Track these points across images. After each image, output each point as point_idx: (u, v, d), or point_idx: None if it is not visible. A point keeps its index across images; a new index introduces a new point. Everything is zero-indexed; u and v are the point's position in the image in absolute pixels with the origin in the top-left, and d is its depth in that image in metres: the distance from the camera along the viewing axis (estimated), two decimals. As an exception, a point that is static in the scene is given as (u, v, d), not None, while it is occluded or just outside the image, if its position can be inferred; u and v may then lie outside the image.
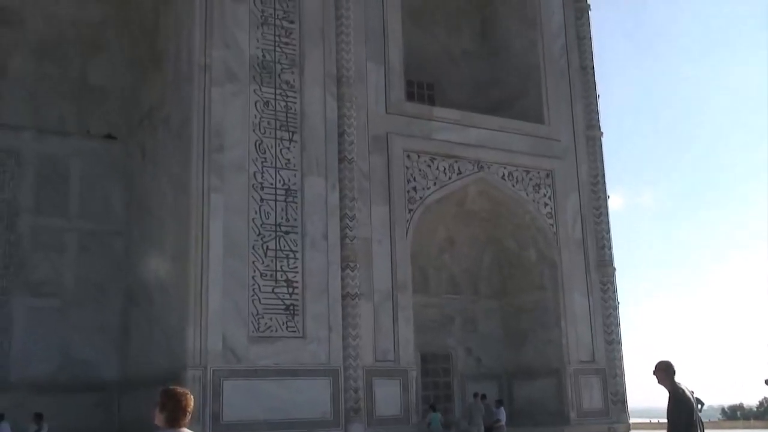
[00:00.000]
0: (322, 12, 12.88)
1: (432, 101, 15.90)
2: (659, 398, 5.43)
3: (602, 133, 15.72)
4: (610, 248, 15.26)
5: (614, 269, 15.21)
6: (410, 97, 15.19)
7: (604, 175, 15.56)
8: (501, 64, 16.38)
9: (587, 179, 15.39)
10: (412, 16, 15.53)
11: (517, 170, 14.64)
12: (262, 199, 11.93)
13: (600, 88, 15.92)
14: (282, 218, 12.03)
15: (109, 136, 14.65)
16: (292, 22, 12.56)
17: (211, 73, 11.82)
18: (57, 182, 14.13)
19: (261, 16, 12.32)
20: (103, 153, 14.50)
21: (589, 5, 16.20)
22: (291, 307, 11.82)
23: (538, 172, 14.86)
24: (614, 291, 15.12)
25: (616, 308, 15.03)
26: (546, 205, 14.85)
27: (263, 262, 11.74)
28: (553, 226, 14.81)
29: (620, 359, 14.85)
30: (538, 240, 14.90)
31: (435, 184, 13.72)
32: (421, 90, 16.14)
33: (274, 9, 12.47)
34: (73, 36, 14.77)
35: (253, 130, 12.04)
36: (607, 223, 15.38)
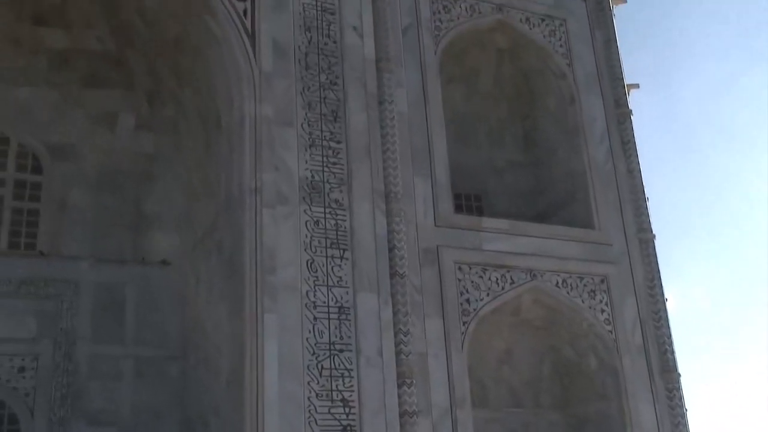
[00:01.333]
0: (368, 132, 13.18)
1: (480, 212, 15.97)
2: None
3: (654, 236, 15.54)
4: (672, 353, 14.79)
5: (679, 375, 14.68)
6: (458, 209, 15.30)
7: (660, 277, 15.27)
8: (546, 172, 16.48)
9: (643, 283, 15.11)
10: (456, 131, 15.83)
11: (570, 277, 14.46)
12: (315, 318, 11.90)
13: (648, 190, 15.92)
14: (336, 336, 11.95)
15: (164, 262, 14.97)
16: (339, 142, 12.87)
17: (262, 196, 12.06)
18: (113, 310, 14.39)
19: (309, 139, 12.65)
20: (158, 279, 14.78)
21: (631, 110, 16.34)
22: (348, 428, 11.57)
23: (593, 278, 14.65)
24: (681, 398, 14.54)
25: (684, 416, 14.42)
26: (603, 311, 14.55)
27: (318, 382, 11.60)
28: (611, 332, 14.46)
29: (693, 470, 14.12)
30: (597, 347, 14.52)
31: (488, 295, 13.58)
32: (469, 201, 16.26)
33: (321, 131, 12.80)
34: (128, 167, 15.36)
35: (305, 250, 12.15)
36: (668, 327, 14.98)
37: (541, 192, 16.50)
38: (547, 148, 16.57)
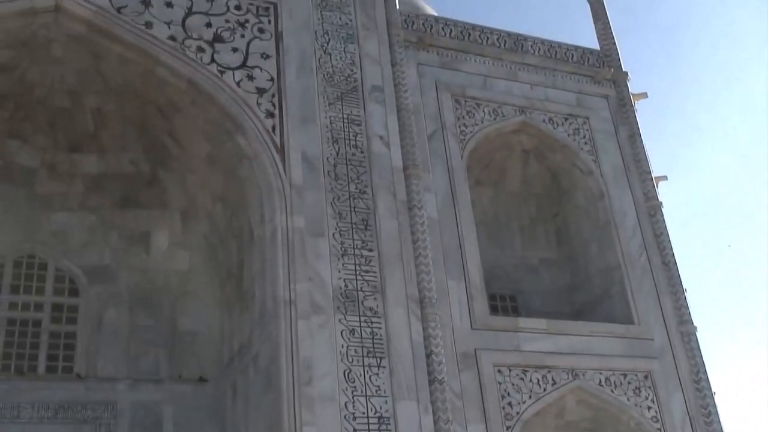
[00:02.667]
0: (399, 238, 13.23)
1: (516, 312, 15.81)
2: None
3: (696, 328, 15.20)
4: (726, 450, 14.24)
5: (735, 473, 14.09)
6: (494, 310, 15.16)
7: (705, 370, 14.85)
8: (581, 268, 16.36)
9: (689, 377, 14.68)
10: (487, 231, 15.87)
11: (613, 374, 14.10)
12: (355, 430, 11.64)
13: (685, 281, 15.67)
14: (377, 448, 11.67)
15: (201, 379, 14.87)
16: (371, 250, 12.90)
17: (297, 307, 12.04)
18: (151, 429, 14.24)
19: (341, 248, 12.71)
20: (195, 396, 14.65)
21: (661, 202, 16.29)
22: None
23: (636, 375, 14.29)
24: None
25: None
26: (650, 408, 14.12)
27: (361, 498, 11.25)
28: (660, 430, 13.98)
29: None
30: (646, 447, 14.01)
31: (530, 397, 13.27)
32: (504, 302, 16.12)
33: (353, 240, 12.87)
34: (163, 285, 15.48)
35: (341, 360, 12.01)
36: (718, 422, 14.46)
37: (577, 288, 16.33)
38: (580, 245, 16.50)
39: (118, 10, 13.16)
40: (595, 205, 16.14)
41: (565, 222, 16.95)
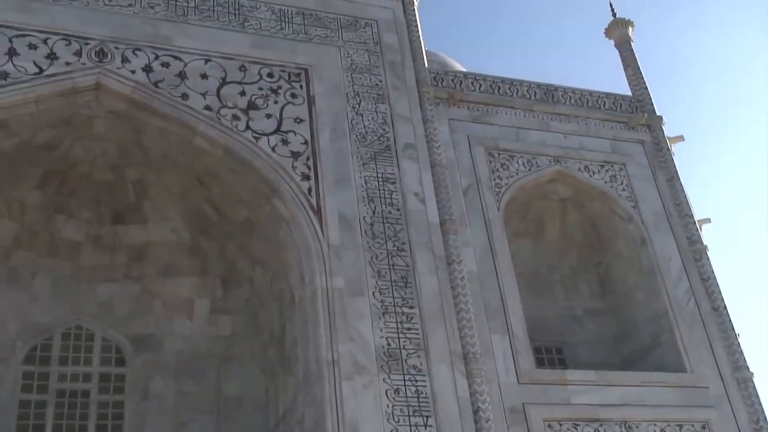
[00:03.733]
0: (440, 294, 13.16)
1: (563, 364, 15.51)
2: None
3: (752, 374, 14.72)
4: (792, 499, 13.64)
5: None
6: (540, 363, 14.90)
7: (766, 418, 14.32)
8: (627, 316, 16.05)
9: (748, 426, 14.16)
10: (528, 283, 15.69)
11: (669, 426, 13.67)
12: (404, 492, 11.44)
13: (738, 325, 15.24)
14: None
15: (247, 445, 14.77)
16: (412, 307, 12.84)
17: (340, 368, 11.97)
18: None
19: (381, 306, 12.68)
20: (241, 462, 14.54)
21: (706, 246, 15.99)
22: None
23: (693, 425, 13.84)
24: None
25: None
26: (709, 459, 13.65)
27: None
28: (722, 481, 13.48)
29: None
30: (707, 501, 13.49)
31: (583, 451, 12.92)
32: (550, 354, 15.84)
33: (393, 298, 12.83)
34: (207, 351, 15.54)
35: (387, 420, 11.86)
36: (782, 470, 13.90)
37: (625, 338, 15.99)
38: (625, 293, 16.22)
39: (156, 84, 13.56)
40: (638, 251, 15.90)
41: (608, 270, 16.71)
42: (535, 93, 16.74)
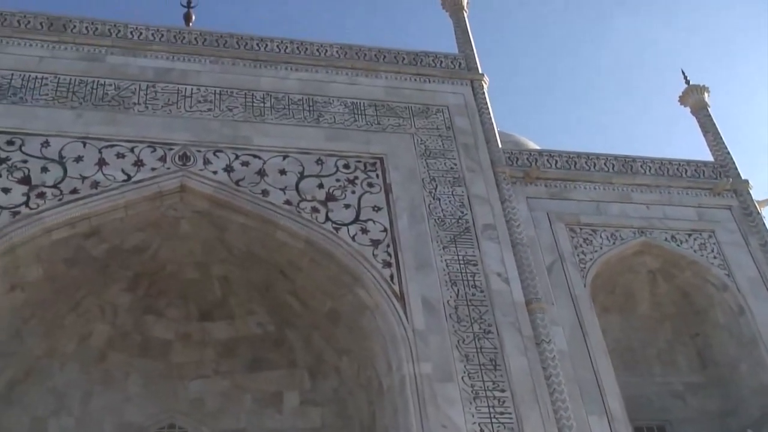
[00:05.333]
0: (531, 375, 12.81)
1: (668, 443, 14.80)
2: None
3: None
4: None
5: None
6: (642, 442, 14.27)
7: None
8: (732, 390, 15.30)
9: None
10: (622, 359, 15.20)
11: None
12: None
13: None
14: None
15: None
16: (503, 390, 12.52)
17: (432, 458, 11.69)
18: None
19: (471, 391, 12.40)
20: None
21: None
22: None
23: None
24: None
25: None
26: None
27: None
28: None
29: None
30: None
31: None
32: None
33: (483, 382, 12.55)
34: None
35: None
36: None
37: (732, 413, 15.20)
38: (727, 364, 15.51)
39: (237, 183, 13.97)
40: (737, 321, 15.26)
41: (707, 342, 16.04)
42: (613, 165, 16.54)
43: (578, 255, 14.89)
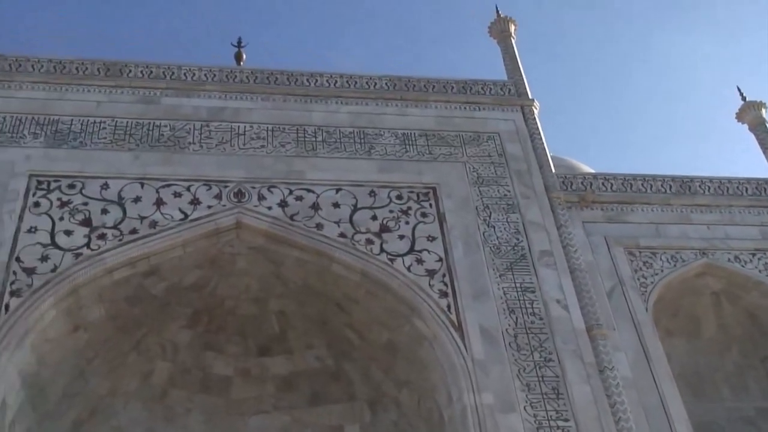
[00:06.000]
0: (595, 403, 12.53)
1: (742, 472, 14.29)
2: None
3: None
4: None
5: None
6: (715, 473, 13.81)
7: None
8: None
9: None
10: (689, 385, 14.81)
11: None
12: None
13: None
14: None
15: None
16: (566, 420, 12.25)
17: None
18: None
19: (534, 421, 12.18)
20: None
21: None
22: None
23: None
24: None
25: None
26: None
27: None
28: None
29: None
30: None
31: None
32: (725, 461, 14.69)
33: (546, 411, 12.31)
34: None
35: None
36: None
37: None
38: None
39: (291, 217, 14.10)
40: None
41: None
42: (671, 186, 16.23)
43: (638, 279, 14.59)
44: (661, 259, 15.01)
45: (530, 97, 17.12)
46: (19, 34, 38.99)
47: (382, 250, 13.90)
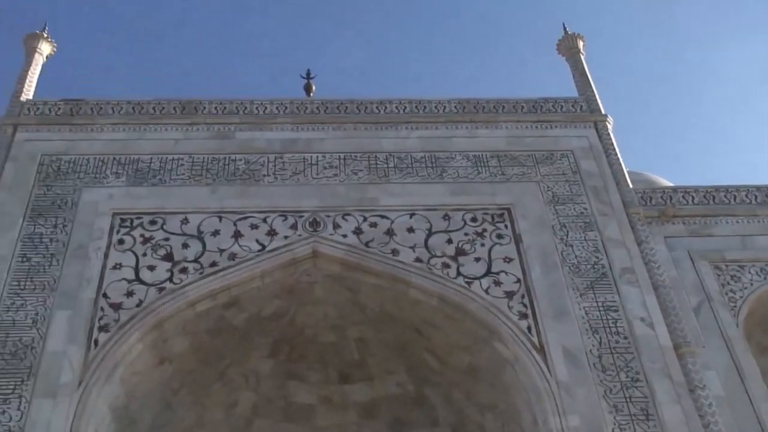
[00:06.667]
0: (687, 424, 12.00)
1: None
2: None
3: None
4: None
5: None
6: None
7: None
8: None
9: None
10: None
11: None
12: None
13: None
14: None
15: None
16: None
17: None
18: None
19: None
20: None
21: None
22: None
23: None
24: None
25: None
26: None
27: None
28: None
29: None
30: None
31: None
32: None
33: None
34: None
35: None
36: None
37: None
38: None
39: (366, 244, 14.16)
40: None
41: None
42: (756, 196, 15.64)
43: (727, 293, 14.07)
44: (749, 272, 14.45)
45: (603, 112, 16.85)
46: (98, 78, 40.53)
47: (458, 273, 13.82)
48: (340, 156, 15.63)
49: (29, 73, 17.12)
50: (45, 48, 17.76)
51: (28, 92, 16.75)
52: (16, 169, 15.01)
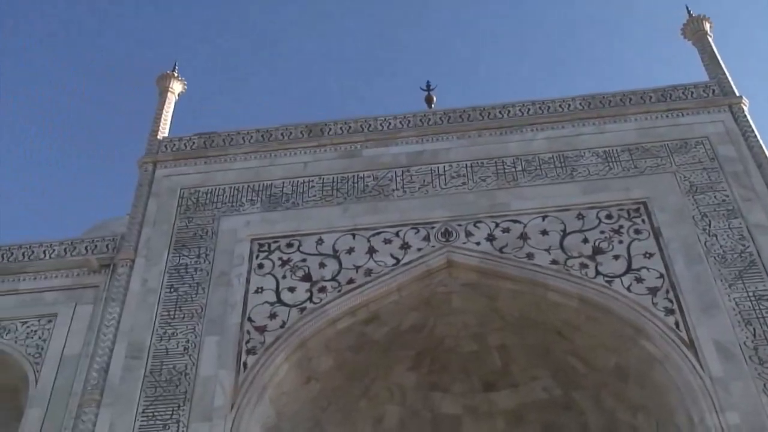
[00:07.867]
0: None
1: None
2: None
3: None
4: None
5: None
6: None
7: None
8: None
9: None
10: None
11: None
12: None
13: None
14: None
15: None
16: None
17: None
18: None
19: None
20: None
21: None
22: None
23: None
24: None
25: None
26: None
27: None
28: None
29: None
30: None
31: None
32: None
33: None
34: None
35: None
36: None
37: None
38: None
39: (500, 250, 14.08)
40: None
41: None
42: None
43: None
44: None
45: (737, 94, 16.07)
46: (225, 110, 42.21)
47: (597, 272, 13.51)
48: (466, 164, 15.63)
49: (164, 111, 18.09)
50: (176, 87, 18.74)
51: (164, 130, 17.70)
52: (158, 204, 15.87)
